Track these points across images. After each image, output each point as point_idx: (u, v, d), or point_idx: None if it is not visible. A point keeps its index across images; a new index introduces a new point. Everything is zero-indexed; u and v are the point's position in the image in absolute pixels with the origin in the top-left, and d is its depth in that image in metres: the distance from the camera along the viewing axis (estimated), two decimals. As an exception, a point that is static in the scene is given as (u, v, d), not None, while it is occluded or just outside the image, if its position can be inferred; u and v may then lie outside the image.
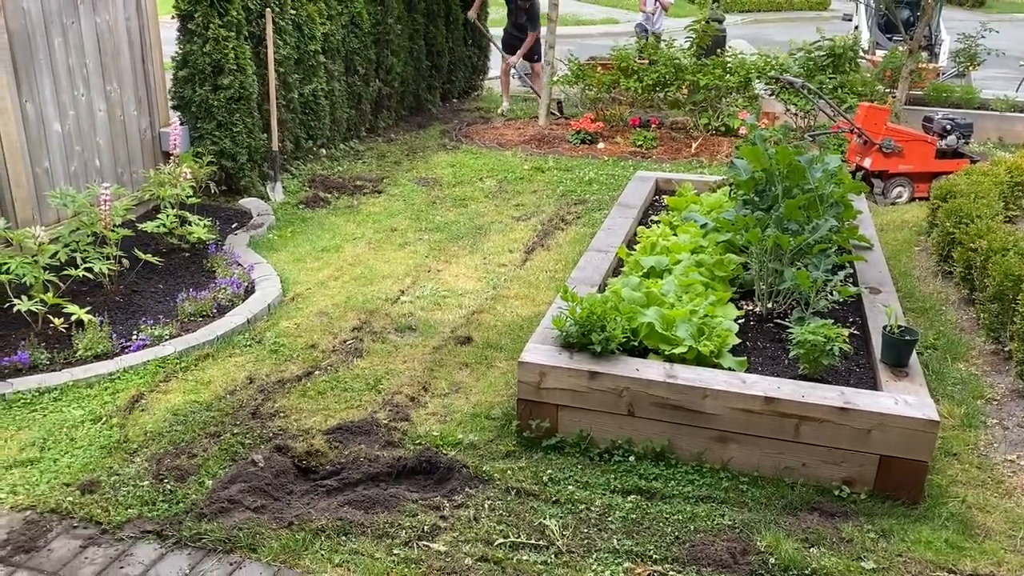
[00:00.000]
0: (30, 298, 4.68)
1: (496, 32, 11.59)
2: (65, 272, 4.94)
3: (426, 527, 3.36)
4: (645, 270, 4.78)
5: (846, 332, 4.00)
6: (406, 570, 3.14)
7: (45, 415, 4.08)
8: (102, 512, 3.40)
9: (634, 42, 10.73)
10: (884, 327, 3.96)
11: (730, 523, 3.43)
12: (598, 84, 10.24)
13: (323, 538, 3.28)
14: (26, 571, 3.11)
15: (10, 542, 3.24)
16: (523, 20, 10.97)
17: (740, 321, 4.38)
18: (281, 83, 7.56)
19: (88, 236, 5.24)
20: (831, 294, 4.29)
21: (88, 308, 4.79)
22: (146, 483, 3.59)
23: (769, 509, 3.53)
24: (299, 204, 7.32)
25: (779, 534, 3.35)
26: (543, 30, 10.73)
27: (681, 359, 3.91)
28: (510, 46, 11.21)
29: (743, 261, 4.83)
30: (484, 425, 4.10)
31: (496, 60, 11.75)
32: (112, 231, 5.29)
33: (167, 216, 5.83)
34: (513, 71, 11.34)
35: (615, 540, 3.32)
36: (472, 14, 11.33)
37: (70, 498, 3.48)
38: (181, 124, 6.65)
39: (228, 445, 3.86)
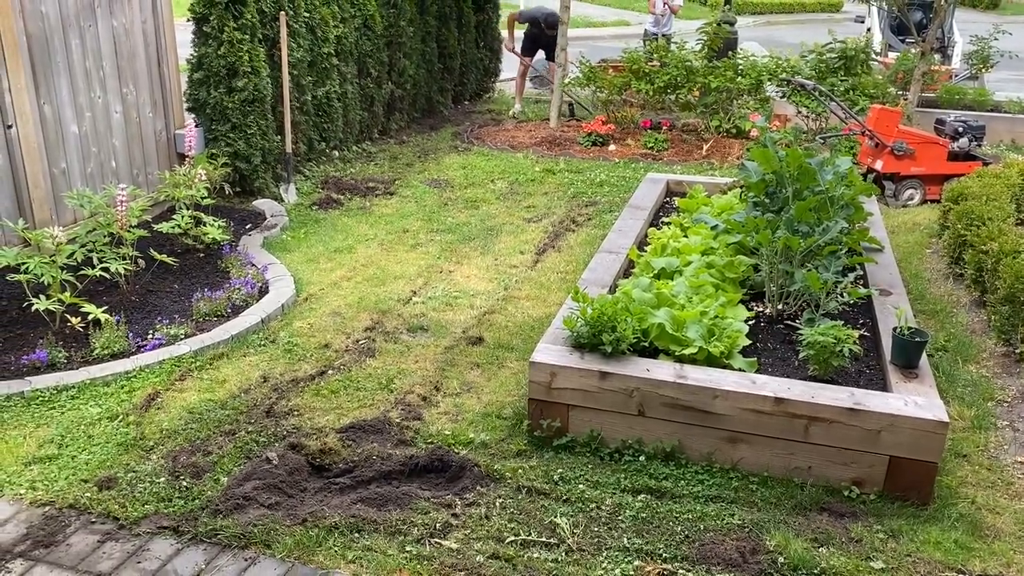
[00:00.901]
0: (48, 297, 4.74)
1: (516, 33, 11.63)
2: (82, 272, 5.00)
3: (438, 524, 3.39)
4: (656, 271, 4.81)
5: (856, 334, 4.01)
6: (418, 566, 3.17)
7: (63, 413, 4.14)
8: (119, 508, 3.45)
9: (644, 44, 10.74)
10: (894, 329, 3.97)
11: (740, 523, 3.45)
12: (609, 86, 10.27)
13: (336, 535, 3.32)
14: (45, 565, 3.17)
15: (30, 536, 3.30)
16: (547, 43, 11.03)
17: (750, 322, 4.40)
18: (295, 85, 7.63)
19: (104, 236, 5.31)
20: (841, 296, 4.30)
21: (105, 307, 4.86)
22: (162, 480, 3.64)
23: (778, 509, 3.55)
24: (312, 205, 7.37)
25: (788, 534, 3.36)
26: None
27: (691, 360, 3.93)
28: (529, 49, 11.27)
29: (753, 263, 4.85)
30: (495, 424, 4.13)
31: (508, 62, 11.78)
32: (128, 231, 5.36)
33: (182, 217, 5.89)
34: (531, 72, 11.38)
35: (625, 539, 3.34)
36: (508, 45, 11.49)
37: (88, 494, 3.53)
38: (196, 126, 6.71)
39: (243, 443, 3.91)
